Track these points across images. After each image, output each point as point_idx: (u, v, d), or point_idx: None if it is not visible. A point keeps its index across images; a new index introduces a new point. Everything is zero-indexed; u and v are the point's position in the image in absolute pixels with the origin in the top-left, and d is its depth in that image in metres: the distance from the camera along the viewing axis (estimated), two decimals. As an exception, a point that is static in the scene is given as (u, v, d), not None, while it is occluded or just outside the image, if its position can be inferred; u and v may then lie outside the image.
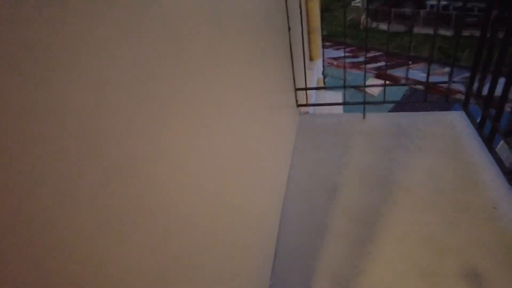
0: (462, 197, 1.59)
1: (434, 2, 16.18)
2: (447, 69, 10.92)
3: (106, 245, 0.43)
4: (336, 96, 3.48)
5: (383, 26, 16.17)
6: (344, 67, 2.43)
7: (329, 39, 13.65)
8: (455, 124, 2.09)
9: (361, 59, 12.27)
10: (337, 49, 13.19)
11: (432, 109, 2.52)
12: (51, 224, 0.35)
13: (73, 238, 0.38)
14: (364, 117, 2.22)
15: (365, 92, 2.87)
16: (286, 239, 1.54)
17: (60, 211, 0.37)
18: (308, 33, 3.24)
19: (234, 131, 1.05)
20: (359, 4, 17.31)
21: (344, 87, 2.20)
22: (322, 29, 3.53)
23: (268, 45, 1.68)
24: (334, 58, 12.04)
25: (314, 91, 3.55)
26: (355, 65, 11.39)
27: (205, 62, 0.80)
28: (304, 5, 3.10)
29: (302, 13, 2.46)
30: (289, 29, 2.08)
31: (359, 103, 2.24)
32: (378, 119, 2.22)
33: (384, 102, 2.26)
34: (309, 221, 1.61)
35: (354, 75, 10.83)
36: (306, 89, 2.28)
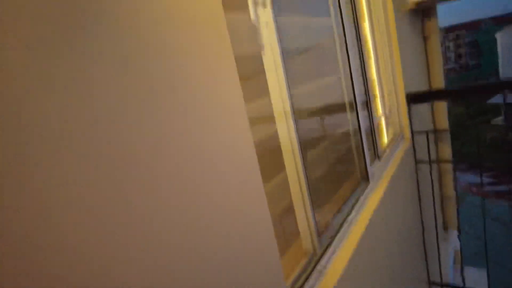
0: None
1: None
2: None
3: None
4: (479, 274, 3.15)
5: (533, 146, 14.15)
6: (486, 260, 2.31)
7: (463, 161, 12.57)
8: None
9: (506, 187, 10.74)
10: (473, 173, 11.96)
11: None
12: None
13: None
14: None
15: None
16: None
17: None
18: (441, 202, 3.23)
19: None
20: (500, 122, 15.85)
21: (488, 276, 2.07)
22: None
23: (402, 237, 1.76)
24: (470, 184, 10.87)
25: (451, 262, 3.31)
26: (499, 195, 9.99)
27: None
28: (437, 181, 3.18)
29: (433, 189, 2.55)
30: (423, 230, 2.19)
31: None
32: None
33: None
34: None
35: (498, 206, 9.47)
36: (442, 285, 2.24)
